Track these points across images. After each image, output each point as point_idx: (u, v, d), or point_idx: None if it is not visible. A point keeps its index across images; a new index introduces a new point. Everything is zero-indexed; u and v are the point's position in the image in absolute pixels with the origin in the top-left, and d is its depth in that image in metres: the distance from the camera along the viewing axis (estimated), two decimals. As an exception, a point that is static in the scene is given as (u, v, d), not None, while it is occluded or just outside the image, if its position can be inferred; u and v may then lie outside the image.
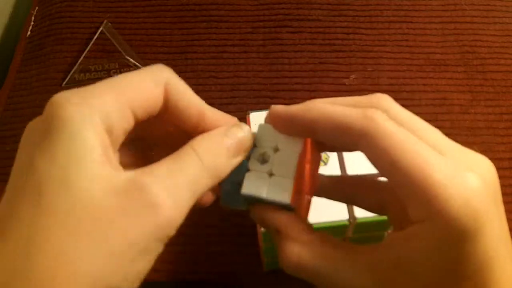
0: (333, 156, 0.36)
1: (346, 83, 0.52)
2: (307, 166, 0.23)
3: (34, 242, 0.17)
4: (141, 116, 0.22)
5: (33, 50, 0.57)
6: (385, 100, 0.22)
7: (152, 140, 0.25)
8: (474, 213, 0.19)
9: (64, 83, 0.53)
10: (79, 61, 0.54)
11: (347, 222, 0.33)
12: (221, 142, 0.22)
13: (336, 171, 0.35)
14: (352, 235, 0.35)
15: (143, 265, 0.19)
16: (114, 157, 0.20)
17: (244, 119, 0.35)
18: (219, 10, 0.58)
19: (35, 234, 0.17)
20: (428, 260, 0.19)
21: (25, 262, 0.17)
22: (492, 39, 0.55)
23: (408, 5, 0.57)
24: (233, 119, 0.24)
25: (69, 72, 0.53)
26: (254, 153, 0.24)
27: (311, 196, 0.26)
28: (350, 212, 0.33)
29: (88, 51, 0.54)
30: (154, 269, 0.20)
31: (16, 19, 0.65)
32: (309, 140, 0.24)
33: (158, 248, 0.19)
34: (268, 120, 0.24)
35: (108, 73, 0.53)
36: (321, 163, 0.32)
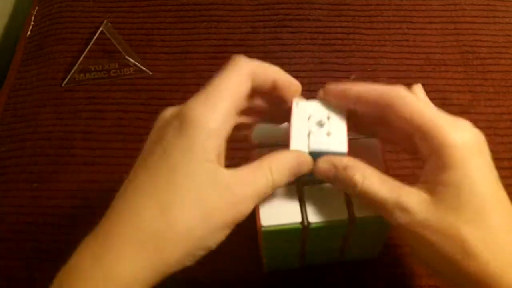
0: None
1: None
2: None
3: (169, 211, 0.26)
4: (241, 109, 0.30)
5: (33, 50, 0.57)
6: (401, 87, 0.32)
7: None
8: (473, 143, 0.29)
9: (64, 83, 0.53)
10: (79, 61, 0.54)
11: (347, 221, 0.33)
12: (290, 166, 0.30)
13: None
14: (352, 234, 0.35)
15: (224, 235, 0.28)
16: (223, 155, 0.29)
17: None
18: (219, 10, 0.58)
19: (169, 205, 0.26)
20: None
21: (161, 222, 0.26)
22: (492, 39, 0.55)
23: (408, 5, 0.57)
24: (297, 83, 0.33)
25: (69, 72, 0.53)
26: (312, 120, 0.31)
27: None
28: (350, 211, 0.33)
29: (88, 51, 0.54)
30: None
31: (16, 19, 0.65)
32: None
33: (232, 227, 0.28)
34: (322, 94, 0.33)
35: (108, 73, 0.53)
36: None
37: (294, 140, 0.31)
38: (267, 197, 0.31)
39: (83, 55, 0.54)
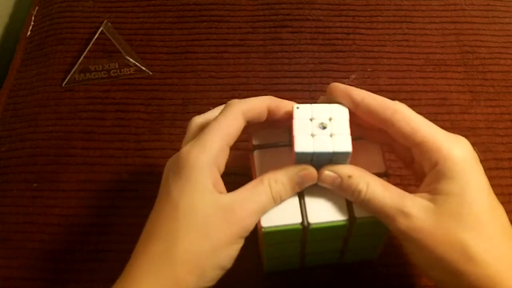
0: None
1: (346, 83, 0.52)
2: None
3: (173, 241, 0.29)
4: (233, 142, 0.33)
5: (33, 50, 0.57)
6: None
7: None
8: (467, 160, 0.31)
9: (64, 83, 0.53)
10: (79, 61, 0.54)
11: (347, 222, 0.33)
12: (292, 181, 0.32)
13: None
14: (352, 235, 0.35)
15: (233, 251, 0.31)
16: (221, 183, 0.32)
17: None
18: (219, 10, 0.58)
19: (173, 237, 0.30)
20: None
21: (167, 253, 0.29)
22: (492, 39, 0.54)
23: (408, 5, 0.57)
24: (290, 104, 0.34)
25: (69, 72, 0.53)
26: (314, 123, 0.32)
27: None
28: (350, 212, 0.33)
29: (88, 51, 0.54)
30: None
31: (16, 19, 0.65)
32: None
33: (241, 241, 0.31)
34: (323, 98, 0.35)
35: (108, 73, 0.53)
36: None
37: (298, 142, 0.31)
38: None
39: (83, 55, 0.54)
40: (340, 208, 0.33)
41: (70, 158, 0.48)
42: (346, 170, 0.32)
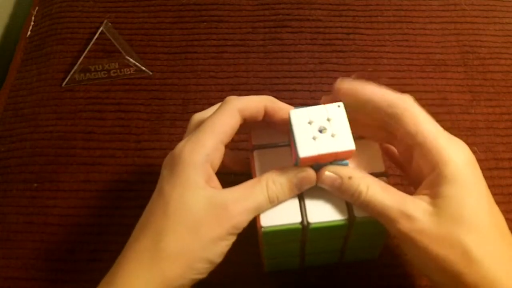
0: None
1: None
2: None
3: (161, 236, 0.30)
4: (229, 140, 0.33)
5: (33, 50, 0.57)
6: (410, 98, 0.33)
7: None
8: (467, 164, 0.31)
9: (64, 83, 0.53)
10: (79, 61, 0.54)
11: (347, 222, 0.33)
12: (290, 183, 0.32)
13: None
14: (352, 234, 0.35)
15: (222, 247, 0.31)
16: (215, 180, 0.32)
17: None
18: (219, 10, 0.58)
19: (161, 232, 0.30)
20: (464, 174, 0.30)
21: (155, 247, 0.30)
22: (492, 39, 0.54)
23: (408, 5, 0.57)
24: (288, 107, 0.34)
25: (69, 72, 0.53)
26: (314, 125, 0.31)
27: None
28: (350, 211, 0.33)
29: (88, 51, 0.54)
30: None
31: (16, 19, 0.65)
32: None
33: (231, 238, 0.31)
34: (324, 99, 0.34)
35: (108, 73, 0.53)
36: None
37: (301, 147, 0.31)
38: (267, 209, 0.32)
39: (83, 55, 0.54)
40: (339, 208, 0.33)
41: (70, 158, 0.48)
42: (346, 171, 0.32)
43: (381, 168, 0.34)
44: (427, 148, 0.31)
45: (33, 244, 0.44)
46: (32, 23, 0.59)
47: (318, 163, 0.32)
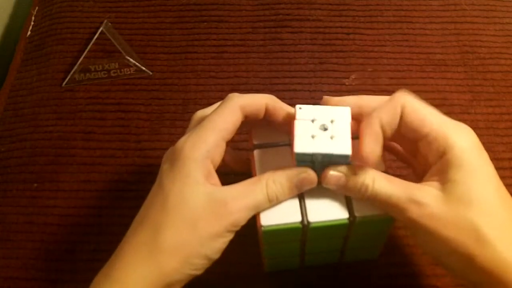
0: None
1: (346, 83, 0.52)
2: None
3: (159, 230, 0.30)
4: (230, 137, 0.33)
5: (33, 50, 0.57)
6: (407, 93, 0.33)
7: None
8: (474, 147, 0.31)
9: (64, 83, 0.53)
10: (79, 61, 0.54)
11: (347, 221, 0.33)
12: (290, 182, 0.32)
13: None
14: (352, 234, 0.35)
15: (220, 244, 0.31)
16: (215, 177, 0.32)
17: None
18: (219, 10, 0.58)
19: (159, 226, 0.30)
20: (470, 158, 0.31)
21: (153, 241, 0.30)
22: (492, 39, 0.55)
23: (408, 5, 0.57)
24: (289, 108, 0.34)
25: (69, 72, 0.53)
26: (316, 124, 0.31)
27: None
28: (350, 211, 0.33)
29: (88, 51, 0.54)
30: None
31: (16, 19, 0.65)
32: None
33: (229, 235, 0.31)
34: (326, 100, 0.34)
35: (108, 73, 0.53)
36: None
37: (298, 143, 0.31)
38: (267, 208, 0.32)
39: (83, 55, 0.54)
40: (340, 207, 0.33)
41: (70, 158, 0.48)
42: (350, 168, 0.32)
43: (381, 168, 0.34)
44: (432, 137, 0.31)
45: (33, 244, 0.44)
46: (32, 23, 0.59)
47: (318, 164, 0.32)
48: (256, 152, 0.35)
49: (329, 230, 0.33)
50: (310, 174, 0.32)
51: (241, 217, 0.31)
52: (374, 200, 0.31)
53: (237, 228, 0.31)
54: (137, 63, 0.54)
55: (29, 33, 0.58)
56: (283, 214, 0.32)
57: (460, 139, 0.31)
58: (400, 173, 0.45)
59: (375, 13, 0.57)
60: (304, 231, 0.33)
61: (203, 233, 0.30)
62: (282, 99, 0.35)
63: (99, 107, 0.51)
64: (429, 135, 0.31)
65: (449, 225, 0.29)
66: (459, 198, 0.29)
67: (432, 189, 0.30)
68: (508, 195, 0.31)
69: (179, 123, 0.50)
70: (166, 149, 0.49)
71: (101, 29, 0.56)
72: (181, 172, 0.31)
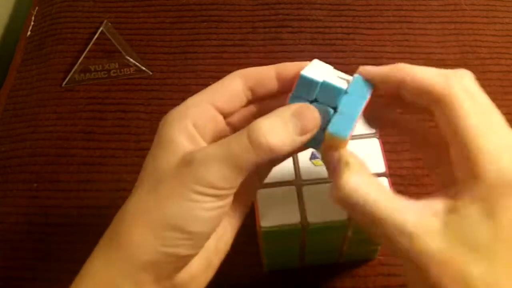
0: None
1: (346, 83, 0.52)
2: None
3: (128, 202, 0.27)
4: (226, 105, 0.29)
5: (33, 50, 0.57)
6: (468, 75, 0.27)
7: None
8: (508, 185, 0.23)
9: (64, 83, 0.53)
10: (79, 61, 0.54)
11: (346, 221, 0.33)
12: (284, 122, 0.26)
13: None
14: (352, 235, 0.35)
15: (190, 209, 0.25)
16: (201, 142, 0.27)
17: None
18: (219, 10, 0.58)
19: (130, 199, 0.27)
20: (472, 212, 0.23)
21: (120, 214, 0.27)
22: (492, 39, 0.54)
23: (408, 5, 0.57)
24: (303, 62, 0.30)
25: (69, 72, 0.53)
26: (329, 73, 0.28)
27: None
28: (350, 212, 0.33)
29: (88, 51, 0.54)
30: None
31: (16, 19, 0.65)
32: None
33: (203, 199, 0.25)
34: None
35: (108, 73, 0.53)
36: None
37: (306, 69, 0.27)
38: (265, 164, 0.26)
39: (83, 55, 0.54)
40: (339, 208, 0.33)
41: (70, 158, 0.48)
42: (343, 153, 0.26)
43: (381, 168, 0.34)
44: (461, 151, 0.24)
45: (33, 244, 0.44)
46: (32, 23, 0.59)
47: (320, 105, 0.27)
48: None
49: (329, 230, 0.33)
50: (310, 107, 0.26)
51: (211, 174, 0.25)
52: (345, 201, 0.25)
53: (214, 191, 0.25)
54: (137, 63, 0.54)
55: (29, 33, 0.58)
56: (282, 215, 0.32)
57: (492, 168, 0.24)
58: (400, 173, 0.45)
59: (375, 13, 0.57)
60: (304, 232, 0.33)
61: (162, 197, 0.25)
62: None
63: (99, 107, 0.51)
64: (458, 146, 0.25)
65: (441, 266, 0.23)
66: (461, 235, 0.23)
67: (433, 219, 0.24)
68: None
69: (179, 123, 0.50)
70: (166, 149, 0.49)
71: (101, 29, 0.56)
72: (158, 138, 0.27)
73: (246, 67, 0.53)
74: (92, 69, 0.53)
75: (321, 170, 0.34)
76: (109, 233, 0.27)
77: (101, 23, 0.57)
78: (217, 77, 0.52)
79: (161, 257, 0.25)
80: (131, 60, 0.54)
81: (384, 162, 0.35)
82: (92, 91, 0.52)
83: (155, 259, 0.25)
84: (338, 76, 0.29)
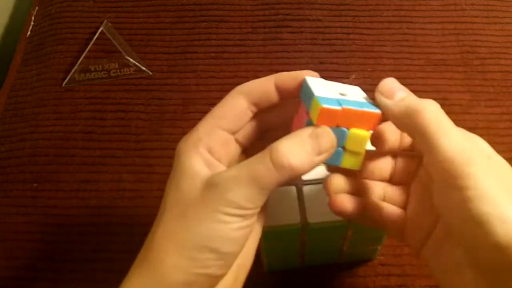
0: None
1: (346, 83, 0.52)
2: None
3: (154, 228, 0.28)
4: (233, 125, 0.30)
5: (33, 50, 0.57)
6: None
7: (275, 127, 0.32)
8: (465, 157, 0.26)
9: (64, 83, 0.53)
10: (79, 61, 0.54)
11: (346, 222, 0.33)
12: (302, 143, 0.27)
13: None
14: (352, 235, 0.35)
15: (219, 231, 0.26)
16: (218, 166, 0.28)
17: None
18: (219, 10, 0.58)
19: (158, 225, 0.28)
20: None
21: (148, 241, 0.28)
22: (492, 39, 0.55)
23: (408, 5, 0.57)
24: (301, 72, 0.30)
25: (69, 72, 0.53)
26: (331, 90, 0.28)
27: None
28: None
29: (88, 51, 0.54)
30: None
31: (16, 19, 0.65)
32: None
33: (231, 219, 0.26)
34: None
35: (108, 73, 0.53)
36: None
37: (321, 99, 0.26)
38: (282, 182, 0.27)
39: (83, 55, 0.54)
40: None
41: (70, 158, 0.48)
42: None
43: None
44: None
45: (33, 244, 0.44)
46: (32, 23, 0.59)
47: (336, 128, 0.27)
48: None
49: (329, 230, 0.33)
50: (327, 129, 0.27)
51: (237, 195, 0.26)
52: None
53: (241, 211, 0.26)
54: (137, 63, 0.54)
55: (29, 33, 0.58)
56: (282, 215, 0.32)
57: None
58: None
59: (375, 13, 0.57)
60: (304, 232, 0.33)
61: (191, 221, 0.26)
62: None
63: (99, 107, 0.51)
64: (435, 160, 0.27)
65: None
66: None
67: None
68: None
69: (179, 123, 0.50)
70: (166, 149, 0.49)
71: (101, 29, 0.56)
72: (176, 167, 0.29)
73: (246, 67, 0.53)
74: (92, 69, 0.53)
75: (321, 170, 0.34)
76: (140, 259, 0.28)
77: (101, 23, 0.57)
78: (217, 77, 0.53)
79: (193, 278, 0.26)
80: (131, 60, 0.54)
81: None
82: (92, 91, 0.52)
83: (188, 280, 0.26)
84: (340, 93, 0.29)
